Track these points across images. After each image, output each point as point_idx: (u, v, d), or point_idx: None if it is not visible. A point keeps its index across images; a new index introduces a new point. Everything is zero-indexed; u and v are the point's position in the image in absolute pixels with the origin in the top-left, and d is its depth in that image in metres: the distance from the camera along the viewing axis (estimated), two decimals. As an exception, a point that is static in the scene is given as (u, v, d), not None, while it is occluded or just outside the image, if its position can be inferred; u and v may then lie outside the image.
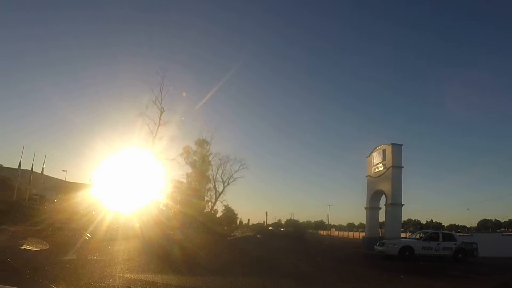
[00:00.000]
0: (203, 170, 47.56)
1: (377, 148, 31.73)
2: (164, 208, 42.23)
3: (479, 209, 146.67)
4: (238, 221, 77.61)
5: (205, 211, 49.47)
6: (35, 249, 10.47)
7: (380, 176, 30.34)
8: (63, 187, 44.37)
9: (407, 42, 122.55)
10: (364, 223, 35.33)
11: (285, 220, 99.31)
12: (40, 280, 6.13)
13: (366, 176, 33.41)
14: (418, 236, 22.19)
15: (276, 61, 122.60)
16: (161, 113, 36.04)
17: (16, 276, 6.59)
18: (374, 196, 31.67)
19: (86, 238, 14.78)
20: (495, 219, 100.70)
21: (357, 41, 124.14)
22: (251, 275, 11.16)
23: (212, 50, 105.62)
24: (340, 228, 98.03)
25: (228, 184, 50.17)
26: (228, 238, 40.53)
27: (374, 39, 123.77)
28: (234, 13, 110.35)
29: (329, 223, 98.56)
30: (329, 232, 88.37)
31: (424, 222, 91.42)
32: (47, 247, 10.64)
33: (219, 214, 59.75)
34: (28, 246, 10.61)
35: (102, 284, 7.15)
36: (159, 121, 36.03)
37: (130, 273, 9.02)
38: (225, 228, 52.43)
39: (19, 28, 76.83)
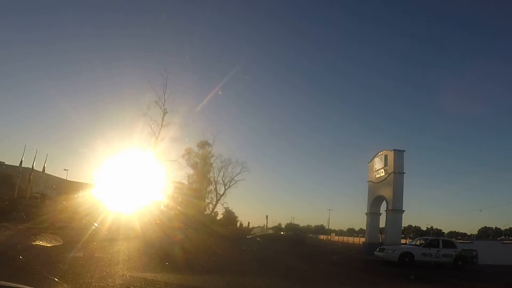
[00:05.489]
0: (204, 172, 47.71)
1: (379, 153, 31.79)
2: (165, 209, 42.40)
3: (479, 217, 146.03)
4: (238, 224, 77.53)
5: (205, 213, 49.58)
6: (48, 245, 10.72)
7: (381, 181, 30.38)
8: (64, 186, 44.45)
9: (407, 50, 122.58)
10: (365, 228, 35.36)
11: (285, 224, 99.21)
12: (49, 276, 6.30)
13: (367, 182, 33.45)
14: (418, 243, 22.15)
15: (278, 67, 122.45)
16: (164, 114, 36.30)
17: (26, 272, 6.79)
18: (375, 202, 31.69)
19: (92, 232, 14.93)
20: (496, 227, 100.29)
21: (357, 50, 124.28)
22: (251, 275, 11.23)
23: (214, 54, 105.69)
24: (340, 233, 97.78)
25: (229, 186, 50.36)
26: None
27: (374, 48, 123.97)
28: (236, 19, 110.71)
29: (329, 227, 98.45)
30: (329, 237, 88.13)
31: (424, 228, 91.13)
32: (59, 244, 10.89)
33: (219, 216, 59.91)
34: (40, 242, 10.89)
35: (102, 284, 7.27)
36: (162, 122, 36.28)
37: (131, 272, 9.10)
38: (233, 228, 52.69)
39: (23, 31, 77.38)
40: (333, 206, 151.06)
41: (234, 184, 50.34)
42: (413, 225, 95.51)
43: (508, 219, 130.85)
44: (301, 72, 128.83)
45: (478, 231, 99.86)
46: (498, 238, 74.75)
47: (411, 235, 71.11)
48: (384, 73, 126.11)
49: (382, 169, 30.42)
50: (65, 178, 47.49)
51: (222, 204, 53.02)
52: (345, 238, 77.03)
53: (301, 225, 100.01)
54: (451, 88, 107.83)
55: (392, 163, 28.74)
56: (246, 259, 17.75)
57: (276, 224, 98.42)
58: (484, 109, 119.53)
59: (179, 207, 41.75)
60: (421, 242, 21.82)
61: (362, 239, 45.06)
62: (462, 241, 32.18)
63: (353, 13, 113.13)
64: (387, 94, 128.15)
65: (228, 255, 18.59)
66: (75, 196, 32.94)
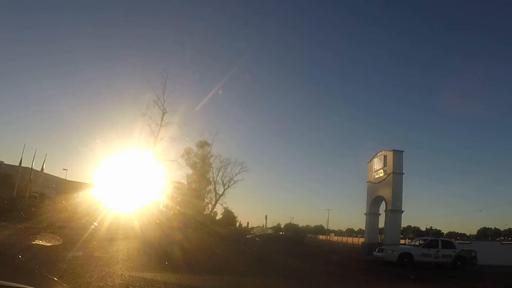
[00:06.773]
0: (203, 172, 47.63)
1: (378, 154, 31.77)
2: (164, 209, 42.42)
3: (479, 217, 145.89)
4: (237, 224, 77.48)
5: (205, 213, 49.53)
6: (47, 245, 10.75)
7: (380, 182, 30.37)
8: (64, 186, 44.46)
9: (406, 51, 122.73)
10: (364, 228, 35.35)
11: (284, 224, 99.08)
12: (49, 275, 6.30)
13: (367, 182, 33.43)
14: (417, 243, 22.16)
15: (277, 67, 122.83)
16: (163, 114, 36.27)
17: (25, 271, 6.79)
18: (374, 202, 31.68)
19: (91, 232, 14.92)
20: (495, 228, 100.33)
21: (357, 50, 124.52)
22: (250, 275, 11.23)
23: (214, 54, 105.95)
24: (339, 233, 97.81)
25: (228, 186, 50.23)
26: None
27: (374, 48, 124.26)
28: (236, 18, 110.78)
29: (329, 228, 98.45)
30: (328, 237, 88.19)
31: (423, 229, 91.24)
32: (59, 243, 10.91)
33: (218, 216, 59.84)
34: (39, 242, 10.91)
35: (101, 284, 7.29)
36: (161, 122, 36.25)
37: (130, 271, 9.09)
38: (232, 228, 52.78)
39: (23, 31, 77.42)
40: (332, 206, 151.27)
41: (233, 184, 50.25)
42: (413, 226, 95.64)
43: (508, 220, 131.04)
44: (301, 72, 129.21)
45: (477, 232, 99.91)
46: (498, 239, 74.85)
47: (410, 235, 71.11)
48: (384, 73, 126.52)
49: (381, 170, 30.42)
50: (64, 178, 47.59)
51: (221, 204, 52.95)
52: (344, 239, 77.07)
53: (300, 225, 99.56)
54: (451, 88, 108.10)
55: (391, 164, 28.74)
56: (245, 259, 17.75)
57: (275, 224, 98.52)
58: (484, 109, 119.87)
59: (178, 207, 41.75)
60: (420, 242, 21.82)
61: (361, 240, 45.05)
62: (461, 241, 32.20)
63: (353, 13, 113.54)
64: (387, 94, 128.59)
65: (227, 255, 18.59)
66: (75, 195, 32.95)
